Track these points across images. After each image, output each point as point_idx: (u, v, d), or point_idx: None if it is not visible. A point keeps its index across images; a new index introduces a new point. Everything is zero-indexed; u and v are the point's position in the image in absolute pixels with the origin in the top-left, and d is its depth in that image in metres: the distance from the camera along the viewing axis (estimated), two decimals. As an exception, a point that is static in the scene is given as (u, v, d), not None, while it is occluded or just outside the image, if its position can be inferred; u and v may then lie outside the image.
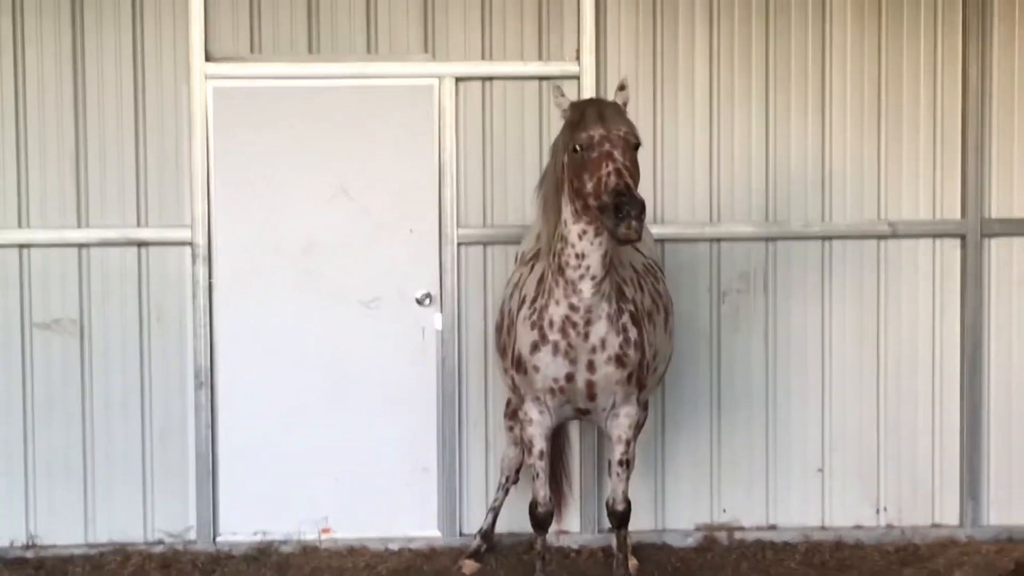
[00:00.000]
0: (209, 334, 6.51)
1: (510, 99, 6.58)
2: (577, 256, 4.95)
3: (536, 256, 5.46)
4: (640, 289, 5.33)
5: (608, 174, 4.68)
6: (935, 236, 6.71)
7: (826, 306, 6.72)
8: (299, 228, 6.55)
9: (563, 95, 5.14)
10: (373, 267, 6.57)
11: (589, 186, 4.74)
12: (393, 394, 6.61)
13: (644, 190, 6.20)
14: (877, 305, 6.72)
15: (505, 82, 6.57)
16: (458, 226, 6.56)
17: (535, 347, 5.16)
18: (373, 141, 6.54)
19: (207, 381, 6.51)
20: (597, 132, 4.79)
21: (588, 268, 4.95)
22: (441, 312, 6.57)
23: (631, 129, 4.87)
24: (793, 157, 6.68)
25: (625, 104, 5.06)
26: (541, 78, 6.55)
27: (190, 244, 6.48)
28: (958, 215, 6.70)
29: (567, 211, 4.95)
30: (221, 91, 6.48)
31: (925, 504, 6.78)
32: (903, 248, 6.71)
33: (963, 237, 6.69)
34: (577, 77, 6.53)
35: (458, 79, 6.53)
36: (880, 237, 6.70)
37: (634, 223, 4.56)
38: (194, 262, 6.48)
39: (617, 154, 4.73)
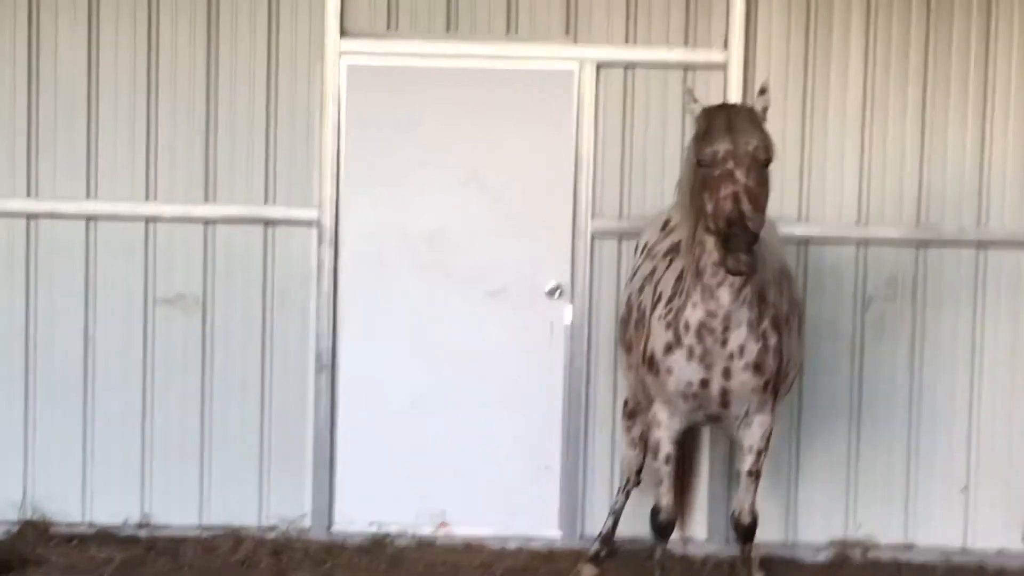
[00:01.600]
0: (332, 318, 6.59)
1: (653, 87, 6.56)
2: (715, 264, 4.91)
3: (675, 250, 5.44)
4: (779, 294, 5.29)
5: (725, 199, 4.58)
6: (1100, 247, 6.56)
7: (978, 318, 6.60)
8: (428, 214, 6.60)
9: (695, 100, 5.01)
10: (502, 257, 6.60)
11: (709, 207, 4.67)
12: (518, 389, 6.64)
13: (789, 187, 6.33)
14: (1034, 317, 6.59)
15: (648, 69, 6.55)
16: (592, 217, 6.56)
17: (669, 348, 5.15)
18: (508, 127, 6.56)
19: (328, 365, 6.60)
20: (722, 147, 4.67)
21: (727, 276, 4.91)
22: (571, 305, 6.58)
23: (763, 142, 4.73)
24: (950, 157, 6.57)
25: (766, 109, 4.93)
26: (686, 66, 6.53)
27: (317, 225, 6.57)
28: None
29: (701, 226, 4.90)
30: (355, 69, 6.55)
31: (1076, 530, 6.65)
32: (1063, 258, 6.57)
33: None
34: (724, 66, 6.49)
35: (599, 64, 6.52)
36: (1041, 245, 6.56)
37: (744, 257, 4.50)
38: (320, 243, 6.57)
39: (740, 174, 4.61)
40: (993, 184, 6.58)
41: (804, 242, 6.51)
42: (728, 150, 4.66)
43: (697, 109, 4.96)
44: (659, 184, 6.50)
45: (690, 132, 5.90)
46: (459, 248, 6.61)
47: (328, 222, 6.55)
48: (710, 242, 4.87)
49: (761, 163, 4.71)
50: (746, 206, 4.54)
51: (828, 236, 6.55)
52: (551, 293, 6.59)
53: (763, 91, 5.00)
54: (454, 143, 6.58)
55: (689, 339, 5.08)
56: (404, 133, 6.58)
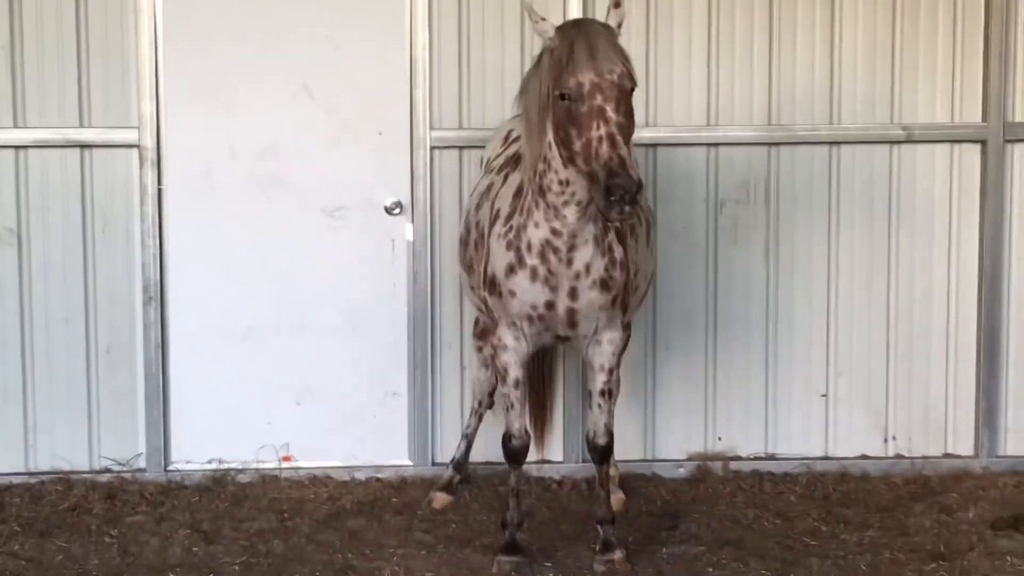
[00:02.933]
0: (159, 245, 6.38)
1: (491, -11, 6.43)
2: (561, 183, 4.77)
3: (511, 164, 5.33)
4: None
5: (600, 140, 4.41)
6: (953, 141, 6.60)
7: (833, 218, 6.61)
8: (257, 129, 6.41)
9: (542, 19, 4.72)
10: (338, 173, 6.44)
11: (577, 144, 4.49)
12: (360, 311, 6.51)
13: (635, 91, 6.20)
14: (888, 217, 6.62)
15: (484, -34, 6.41)
16: (431, 128, 6.42)
17: (511, 270, 5.03)
18: (339, 33, 6.38)
19: (157, 296, 6.40)
20: (587, 78, 4.47)
21: (574, 195, 4.77)
22: (412, 223, 6.46)
23: (626, 68, 4.56)
24: (799, 54, 6.54)
25: (620, 25, 4.75)
26: (523, -35, 6.41)
27: (137, 147, 6.33)
28: (979, 118, 6.58)
29: (552, 136, 4.71)
30: (168, -25, 6.34)
31: (937, 433, 6.73)
32: (918, 154, 6.59)
33: (984, 143, 6.56)
34: (564, -39, 6.37)
35: (432, -35, 6.38)
36: (893, 142, 6.57)
37: (627, 208, 4.38)
38: (142, 166, 6.34)
39: (610, 111, 4.44)
40: (844, 81, 6.57)
41: (652, 146, 6.45)
42: (593, 81, 4.48)
43: (547, 29, 4.70)
44: (499, 94, 6.36)
45: (533, 42, 5.99)
46: (292, 164, 6.43)
47: (149, 142, 6.33)
48: (557, 162, 4.72)
49: (628, 92, 4.56)
50: (624, 149, 4.39)
51: (677, 139, 6.50)
52: (391, 209, 6.46)
53: (618, 4, 4.77)
54: (282, 52, 6.38)
55: (532, 259, 4.95)
56: (228, 43, 6.37)
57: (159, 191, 6.38)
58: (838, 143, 6.57)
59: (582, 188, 4.72)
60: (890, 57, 6.56)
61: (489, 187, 5.42)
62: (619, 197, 4.34)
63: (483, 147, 6.23)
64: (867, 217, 6.62)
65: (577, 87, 4.49)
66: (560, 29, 4.71)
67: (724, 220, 6.59)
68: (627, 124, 4.50)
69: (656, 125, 6.49)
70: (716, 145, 6.55)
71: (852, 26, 6.54)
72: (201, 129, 6.39)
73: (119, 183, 6.39)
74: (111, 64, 6.34)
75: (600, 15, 6.06)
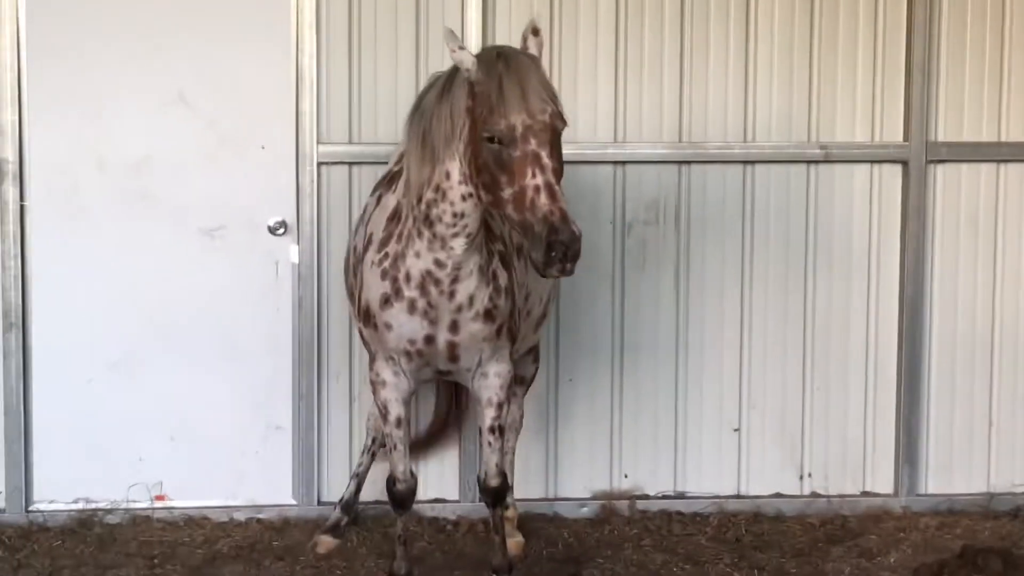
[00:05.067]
0: (20, 267, 6.15)
1: (382, -8, 6.25)
2: (455, 215, 4.59)
3: (383, 185, 5.16)
4: None
5: (537, 190, 4.21)
6: (873, 161, 6.53)
7: (747, 241, 6.51)
8: (130, 141, 6.18)
9: (461, 47, 4.46)
10: (217, 189, 6.23)
11: (507, 192, 4.28)
12: (241, 339, 6.31)
13: None
14: (805, 240, 6.54)
15: (376, -26, 6.24)
16: (319, 143, 6.23)
17: (386, 301, 4.84)
18: (219, 40, 6.18)
19: (18, 322, 6.16)
20: (519, 120, 4.27)
21: (465, 227, 4.61)
22: (298, 243, 6.26)
23: (557, 107, 4.40)
24: (712, 68, 6.44)
25: (540, 51, 4.57)
26: (417, -31, 6.26)
27: (-3, 159, 6.11)
28: (900, 138, 6.51)
29: (456, 170, 4.53)
30: (31, -28, 6.10)
31: (856, 470, 6.65)
32: (836, 174, 6.51)
33: (905, 163, 6.49)
34: (460, -36, 6.22)
35: (320, -33, 6.20)
36: (811, 161, 6.49)
37: (570, 265, 4.21)
38: (2, 181, 6.10)
39: (545, 156, 4.26)
40: (759, 97, 6.47)
41: (555, 163, 6.29)
42: (527, 124, 4.28)
43: (466, 59, 4.45)
44: (392, 106, 6.16)
45: (429, 53, 6.04)
46: (168, 180, 6.21)
47: (11, 155, 6.09)
48: (457, 194, 4.55)
49: (559, 134, 4.40)
50: (562, 200, 4.22)
51: (582, 156, 6.32)
52: (274, 229, 6.27)
53: (536, 32, 4.57)
54: (158, 60, 6.16)
55: (411, 291, 4.76)
56: (98, 48, 6.14)
57: (21, 208, 6.15)
58: (752, 162, 6.48)
59: (475, 220, 4.59)
60: (808, 73, 6.48)
61: (364, 209, 5.27)
62: (561, 255, 4.17)
63: (374, 163, 6.08)
64: (783, 240, 6.53)
65: (509, 131, 4.27)
66: (483, 61, 4.45)
67: (631, 242, 6.47)
68: (561, 169, 4.35)
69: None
70: (623, 163, 6.42)
71: (767, 40, 6.45)
72: (68, 141, 6.16)
73: (-23, 199, 6.14)
74: (-33, 70, 6.10)
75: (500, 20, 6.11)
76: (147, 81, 6.18)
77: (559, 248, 4.17)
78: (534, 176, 4.24)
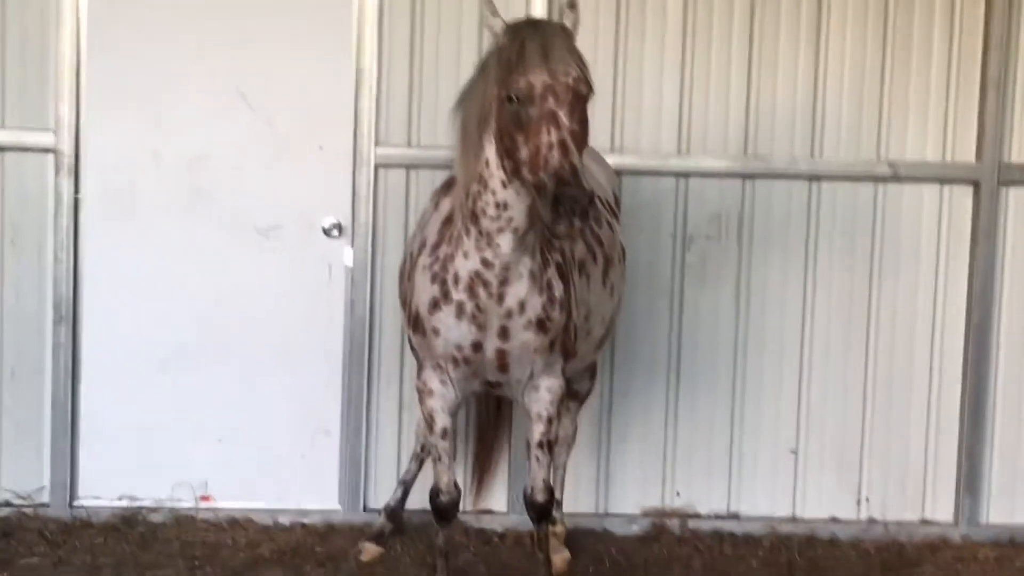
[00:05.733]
0: (73, 260, 6.17)
1: (445, -5, 6.20)
2: (498, 206, 4.52)
3: (443, 190, 5.09)
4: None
5: (550, 147, 4.14)
6: (944, 181, 6.43)
7: (811, 259, 6.43)
8: (187, 139, 6.19)
9: (496, 13, 4.49)
10: (274, 189, 6.22)
11: (524, 152, 4.23)
12: (292, 341, 6.29)
13: (601, 111, 6.06)
14: (871, 261, 6.44)
15: (441, -26, 6.19)
16: (377, 145, 6.20)
17: (435, 305, 4.76)
18: (279, 39, 6.17)
19: (68, 316, 6.17)
20: (539, 80, 4.22)
21: (511, 220, 4.52)
22: (353, 246, 6.24)
23: (582, 73, 4.32)
24: (780, 81, 6.36)
25: (576, 26, 4.53)
26: (485, -30, 6.20)
27: (53, 151, 6.11)
28: (972, 158, 6.40)
29: (491, 151, 4.47)
30: (97, -30, 6.11)
31: (915, 497, 6.55)
32: (905, 194, 6.42)
33: (976, 184, 6.38)
34: (527, -34, 6.16)
35: (383, -35, 6.16)
36: (879, 180, 6.40)
37: (577, 222, 4.10)
38: (57, 173, 6.12)
39: (563, 115, 4.19)
40: (828, 112, 6.38)
41: (617, 173, 6.22)
42: (547, 84, 4.22)
43: (499, 25, 4.48)
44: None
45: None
46: (224, 179, 6.22)
47: (67, 148, 6.11)
48: (496, 180, 4.49)
49: (583, 98, 4.31)
50: (576, 158, 4.13)
51: (644, 167, 6.31)
52: (329, 231, 6.24)
53: (572, 5, 4.57)
54: (217, 57, 6.16)
55: (459, 294, 4.68)
56: (158, 44, 6.14)
57: (76, 201, 6.16)
58: (819, 178, 6.39)
59: (521, 213, 4.49)
60: (879, 88, 6.38)
61: (423, 214, 5.21)
62: (568, 208, 4.08)
63: (433, 167, 6.06)
64: (847, 260, 6.44)
65: (528, 88, 4.22)
66: (511, 27, 4.45)
67: (692, 257, 6.40)
68: (581, 132, 4.25)
69: (622, 151, 6.30)
70: (686, 175, 6.35)
71: (839, 53, 6.36)
72: (125, 136, 6.16)
73: (32, 191, 6.18)
74: (28, 62, 6.13)
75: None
76: (206, 79, 6.17)
77: (567, 201, 4.07)
78: (549, 133, 4.17)
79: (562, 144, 4.14)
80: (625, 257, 5.55)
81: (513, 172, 4.36)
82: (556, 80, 4.22)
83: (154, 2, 6.15)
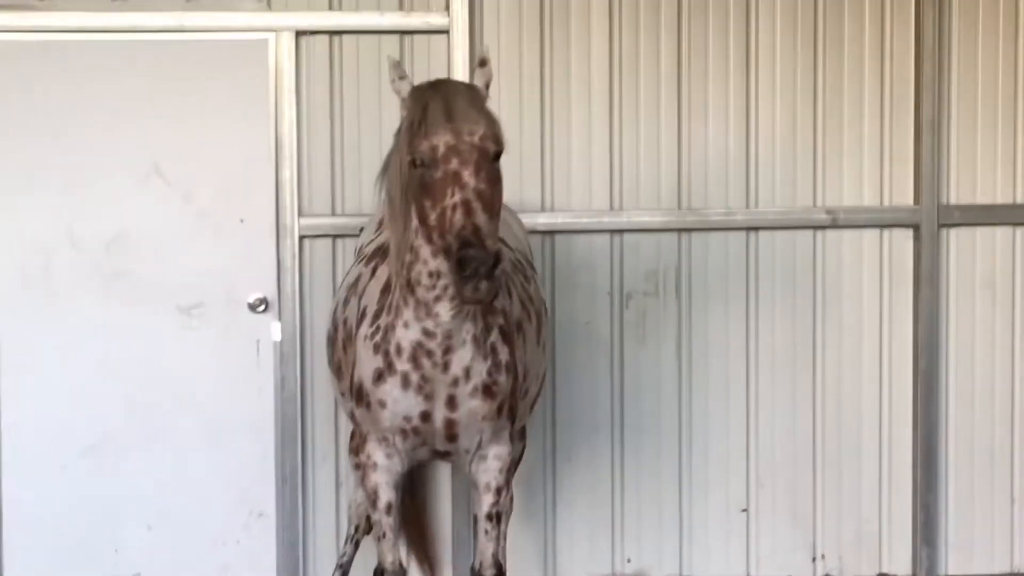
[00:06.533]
0: (-11, 347, 6.01)
1: (365, 57, 6.10)
2: (431, 275, 4.35)
3: (380, 255, 4.96)
4: (507, 294, 4.85)
5: (454, 208, 4.03)
6: (883, 226, 6.37)
7: (752, 311, 6.35)
8: (104, 217, 6.05)
9: (402, 76, 4.43)
10: (195, 265, 6.09)
11: (432, 217, 4.12)
12: (221, 420, 6.15)
13: (529, 172, 6.05)
14: (813, 309, 6.37)
15: (358, 37, 6.10)
16: (300, 215, 6.09)
17: (379, 376, 4.61)
18: (195, 109, 6.05)
19: (-13, 406, 6.00)
20: (442, 141, 4.10)
21: (446, 288, 4.34)
22: (280, 320, 6.11)
23: (491, 130, 4.20)
24: (712, 132, 6.30)
25: (487, 84, 4.42)
26: (403, 32, 6.10)
27: (-35, 235, 5.98)
28: (910, 201, 6.36)
29: (422, 236, 4.33)
30: (3, 45, 5.98)
31: (871, 550, 6.46)
32: (845, 240, 6.37)
33: (916, 227, 6.33)
34: (446, 31, 6.08)
35: (299, 32, 6.05)
36: (817, 227, 6.34)
37: (484, 284, 3.96)
38: (-32, 258, 5.98)
39: (467, 175, 4.07)
40: (761, 161, 6.32)
41: (549, 233, 6.15)
42: (449, 144, 4.10)
43: (405, 89, 4.38)
44: (377, 171, 6.00)
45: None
46: (144, 257, 6.07)
47: (-22, 230, 5.96)
48: (425, 250, 4.33)
49: (491, 157, 4.17)
50: (480, 218, 4.01)
51: (577, 226, 6.21)
52: (255, 306, 6.11)
53: (483, 63, 4.46)
54: (132, 131, 6.04)
55: (403, 364, 4.53)
56: (71, 120, 6.02)
57: (-11, 286, 6.00)
58: (756, 228, 6.31)
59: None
60: (812, 134, 6.33)
61: (357, 280, 5.05)
62: (473, 271, 3.95)
63: (358, 236, 5.89)
64: (789, 310, 6.36)
65: (430, 151, 4.11)
66: (415, 89, 4.34)
67: (631, 314, 6.31)
68: (489, 191, 4.10)
69: (553, 210, 6.21)
70: (620, 232, 6.26)
71: (769, 100, 6.30)
72: (39, 217, 6.03)
73: (-60, 278, 6.01)
74: (-66, 143, 5.98)
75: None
76: (121, 154, 6.05)
77: (471, 263, 3.94)
78: (452, 195, 4.05)
79: (465, 204, 4.02)
80: (547, 313, 5.43)
81: (427, 239, 4.23)
82: (460, 139, 4.11)
83: (61, 76, 6.02)
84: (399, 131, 4.44)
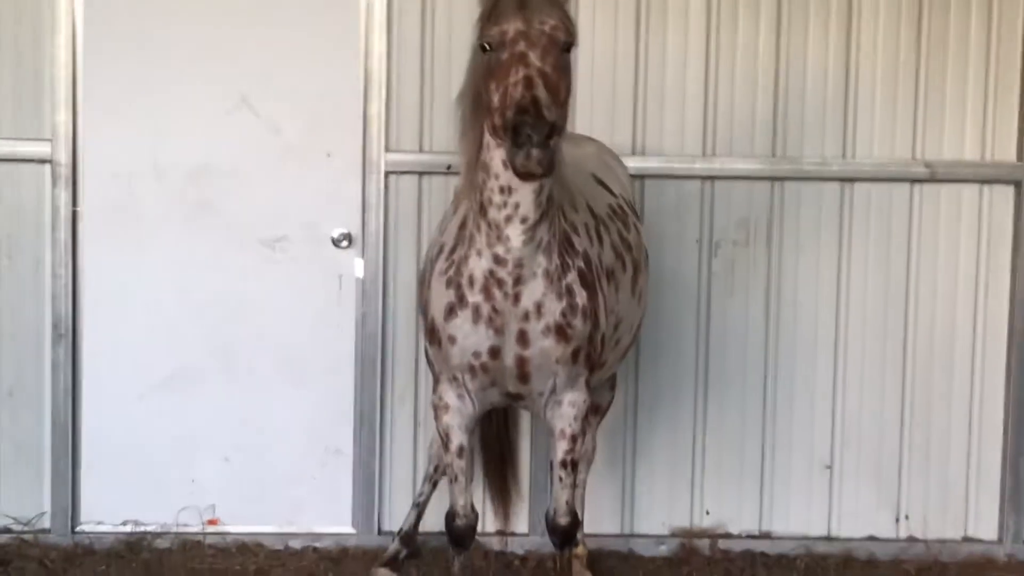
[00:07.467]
0: (72, 275, 6.04)
1: (457, -10, 6.05)
2: (502, 190, 4.33)
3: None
4: (597, 240, 4.77)
5: (515, 84, 4.04)
6: (983, 182, 6.24)
7: (844, 265, 6.26)
8: (190, 148, 6.05)
9: None
10: (280, 199, 6.08)
11: (496, 98, 4.12)
12: (300, 357, 6.15)
13: (621, 113, 5.96)
14: (907, 266, 6.27)
15: (451, -34, 6.04)
16: (387, 151, 6.06)
17: (451, 311, 4.57)
18: (284, 42, 6.02)
19: (68, 334, 6.04)
20: (512, 26, 4.12)
21: (517, 207, 4.33)
22: (363, 257, 6.09)
23: (562, 21, 4.20)
24: (810, 79, 6.19)
25: None
26: (496, -36, 6.04)
27: (50, 162, 5.98)
28: (1013, 157, 6.22)
29: (487, 129, 4.33)
30: (95, -25, 5.97)
31: (957, 514, 6.38)
32: (943, 195, 6.24)
33: (1018, 184, 6.20)
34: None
35: (392, -33, 6.01)
36: (914, 180, 6.22)
37: (534, 152, 3.92)
38: (54, 185, 5.99)
39: (533, 56, 4.07)
40: (860, 110, 6.21)
41: (639, 177, 6.07)
42: (519, 30, 4.11)
43: None
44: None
45: None
46: (228, 189, 6.07)
47: (64, 158, 5.97)
48: (496, 160, 4.30)
49: (560, 45, 4.17)
50: (541, 92, 4.01)
51: (668, 171, 6.15)
52: (338, 242, 6.10)
53: None
54: (220, 62, 6.01)
55: (475, 296, 4.50)
56: (158, 50, 6.00)
57: (74, 214, 6.03)
58: (851, 180, 6.22)
59: (526, 198, 4.31)
60: (914, 84, 6.20)
61: (442, 220, 5.05)
62: (526, 137, 3.93)
63: (446, 174, 5.88)
64: (882, 264, 6.27)
65: (499, 35, 4.13)
66: None
67: (719, 264, 6.24)
68: (555, 76, 4.10)
69: (644, 154, 6.14)
70: (712, 178, 6.19)
71: (871, 49, 6.19)
72: (123, 145, 6.02)
73: (27, 203, 6.06)
74: (23, 70, 6.01)
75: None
76: (209, 85, 6.03)
77: (524, 128, 3.93)
78: (516, 72, 4.06)
79: (527, 79, 4.04)
80: (648, 262, 5.36)
81: (492, 129, 4.24)
82: (530, 26, 4.13)
83: (152, 7, 6.00)
84: (475, 27, 4.39)
